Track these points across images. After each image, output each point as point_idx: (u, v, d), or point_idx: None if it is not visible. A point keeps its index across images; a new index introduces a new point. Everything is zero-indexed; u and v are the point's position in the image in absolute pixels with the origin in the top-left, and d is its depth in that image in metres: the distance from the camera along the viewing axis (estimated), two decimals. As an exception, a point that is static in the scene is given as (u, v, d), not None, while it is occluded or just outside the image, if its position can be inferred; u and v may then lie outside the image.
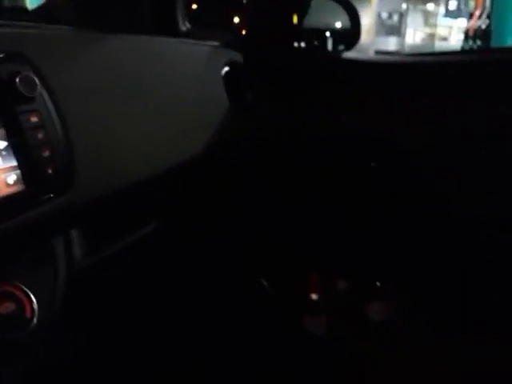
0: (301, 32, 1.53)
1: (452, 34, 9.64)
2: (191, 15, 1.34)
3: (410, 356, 1.05)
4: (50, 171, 0.56)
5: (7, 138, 0.54)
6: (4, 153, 0.54)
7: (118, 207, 0.72)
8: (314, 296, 1.24)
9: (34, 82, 0.57)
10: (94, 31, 0.78)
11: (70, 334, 0.74)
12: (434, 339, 1.06)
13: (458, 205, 1.01)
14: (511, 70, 0.99)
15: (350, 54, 1.40)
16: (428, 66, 1.13)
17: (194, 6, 1.57)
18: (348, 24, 1.46)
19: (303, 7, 1.48)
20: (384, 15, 9.06)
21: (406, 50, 9.07)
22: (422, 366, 1.02)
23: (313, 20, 1.58)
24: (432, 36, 9.73)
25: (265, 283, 1.23)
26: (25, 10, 1.25)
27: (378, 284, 1.17)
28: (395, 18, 9.16)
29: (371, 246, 1.12)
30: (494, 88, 0.99)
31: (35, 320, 0.57)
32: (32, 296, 0.57)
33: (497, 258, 0.96)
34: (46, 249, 0.63)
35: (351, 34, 1.39)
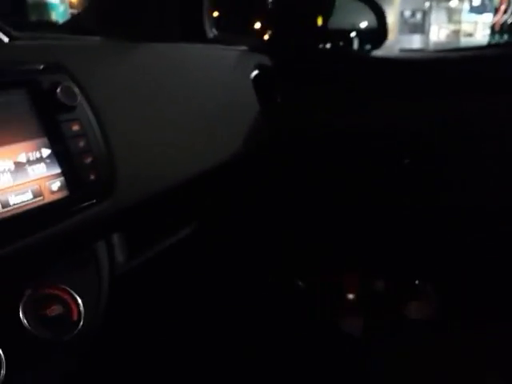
0: (326, 33, 1.54)
1: (477, 30, 9.49)
2: (216, 22, 1.36)
3: (448, 355, 1.03)
4: (92, 177, 0.58)
5: (50, 146, 0.56)
6: (48, 160, 0.55)
7: (157, 211, 0.73)
8: (350, 296, 1.23)
9: (74, 91, 0.58)
10: (126, 41, 0.80)
11: (114, 336, 0.75)
12: (472, 337, 1.04)
13: (488, 201, 0.99)
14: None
15: (376, 53, 1.40)
16: (453, 62, 1.12)
17: (216, 13, 1.59)
18: (373, 24, 1.45)
19: (328, 8, 1.48)
20: (407, 13, 8.98)
21: (431, 47, 8.95)
22: (461, 364, 1.00)
23: (339, 21, 1.58)
24: (457, 32, 9.60)
25: (301, 284, 1.23)
26: (52, 23, 1.29)
27: (416, 283, 1.16)
28: (418, 16, 9.06)
29: (408, 245, 1.10)
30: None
31: (82, 322, 0.58)
32: (78, 299, 0.59)
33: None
34: (89, 252, 0.65)
35: (378, 33, 1.38)
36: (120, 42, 0.80)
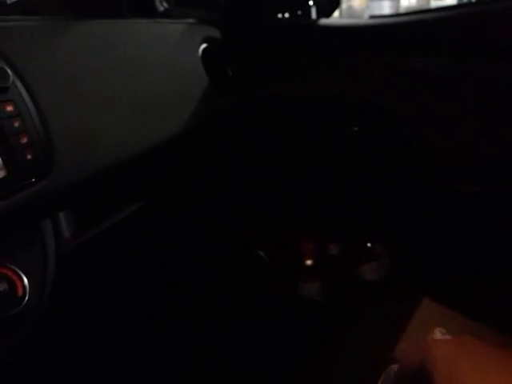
0: (283, 2, 1.53)
1: (448, -7, 9.45)
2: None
3: (401, 312, 1.08)
4: (29, 157, 0.59)
5: (-16, 128, 0.57)
6: (-17, 143, 0.56)
7: (102, 188, 0.75)
8: (308, 262, 1.27)
9: (7, 72, 0.59)
10: (67, 19, 0.79)
11: (61, 312, 0.77)
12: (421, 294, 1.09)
13: (439, 160, 1.03)
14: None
15: (334, 21, 1.40)
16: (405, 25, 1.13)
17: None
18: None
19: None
20: (376, -21, 8.88)
21: (402, 12, 8.91)
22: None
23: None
24: (427, -4, 9.56)
25: (261, 253, 1.26)
26: (3, 2, 1.26)
27: (368, 245, 1.20)
28: (388, -20, 8.97)
29: (360, 209, 1.14)
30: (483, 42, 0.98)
31: (27, 298, 0.60)
32: (23, 276, 0.61)
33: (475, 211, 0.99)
34: (34, 231, 0.67)
35: (330, 2, 1.40)
36: (60, 20, 0.80)
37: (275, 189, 1.20)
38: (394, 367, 0.58)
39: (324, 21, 1.32)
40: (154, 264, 1.03)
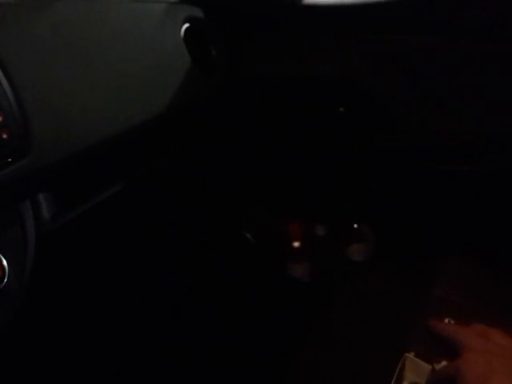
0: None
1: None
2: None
3: (388, 293, 1.09)
4: (4, 136, 0.58)
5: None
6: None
7: (82, 168, 0.73)
8: (296, 244, 1.27)
9: None
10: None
11: (41, 294, 0.76)
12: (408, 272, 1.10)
13: (423, 139, 1.03)
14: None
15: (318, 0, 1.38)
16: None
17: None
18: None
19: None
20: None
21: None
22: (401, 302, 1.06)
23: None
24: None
25: (248, 236, 1.26)
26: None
27: (355, 226, 1.21)
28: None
29: (347, 190, 1.14)
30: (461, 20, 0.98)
31: (5, 280, 0.59)
32: (1, 257, 0.60)
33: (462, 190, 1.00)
34: (13, 213, 0.66)
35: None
36: (34, 1, 0.77)
37: (262, 170, 1.20)
38: (410, 356, 0.61)
39: (308, 0, 1.31)
40: (137, 246, 1.02)
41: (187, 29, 1.02)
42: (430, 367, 0.60)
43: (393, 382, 0.63)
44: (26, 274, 0.63)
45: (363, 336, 1.03)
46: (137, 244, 1.01)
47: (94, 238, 0.89)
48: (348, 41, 1.07)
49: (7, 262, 0.60)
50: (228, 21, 1.14)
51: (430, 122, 1.05)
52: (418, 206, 1.08)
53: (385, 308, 1.07)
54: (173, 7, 1.04)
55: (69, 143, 0.66)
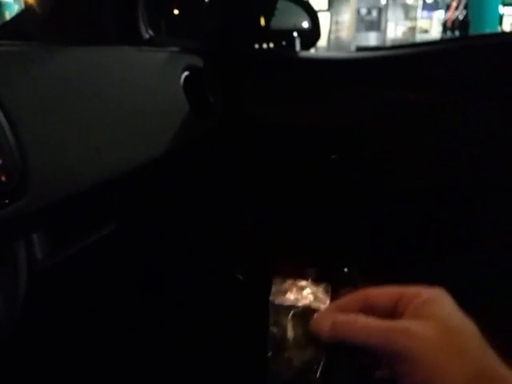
0: (268, 33, 1.58)
1: (433, 27, 9.76)
2: (158, 23, 1.38)
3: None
4: (2, 178, 0.60)
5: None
6: (-41, 163, 0.57)
7: (76, 210, 0.75)
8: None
9: None
10: (50, 46, 0.81)
11: (32, 331, 0.77)
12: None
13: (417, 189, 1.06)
14: (485, 56, 1.01)
15: (313, 54, 1.45)
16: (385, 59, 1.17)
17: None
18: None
19: (270, 9, 1.52)
20: (363, 11, 9.18)
21: (388, 44, 9.17)
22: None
23: (281, 21, 1.63)
24: (413, 29, 9.86)
25: (239, 277, 1.27)
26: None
27: (345, 270, 1.21)
28: (374, 13, 9.27)
29: (338, 235, 1.16)
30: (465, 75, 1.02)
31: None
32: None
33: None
34: (7, 251, 0.67)
35: (312, 34, 1.44)
36: (43, 46, 0.82)
37: (253, 212, 1.22)
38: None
39: (305, 53, 1.37)
40: (128, 288, 1.03)
41: (187, 77, 1.06)
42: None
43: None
44: (17, 310, 0.64)
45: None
46: (127, 286, 1.02)
47: (87, 276, 0.90)
48: (343, 92, 1.12)
49: (-1, 299, 0.61)
50: (227, 70, 1.19)
51: (418, 167, 1.08)
52: (407, 250, 1.09)
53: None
54: (174, 56, 1.09)
55: (65, 186, 0.68)
